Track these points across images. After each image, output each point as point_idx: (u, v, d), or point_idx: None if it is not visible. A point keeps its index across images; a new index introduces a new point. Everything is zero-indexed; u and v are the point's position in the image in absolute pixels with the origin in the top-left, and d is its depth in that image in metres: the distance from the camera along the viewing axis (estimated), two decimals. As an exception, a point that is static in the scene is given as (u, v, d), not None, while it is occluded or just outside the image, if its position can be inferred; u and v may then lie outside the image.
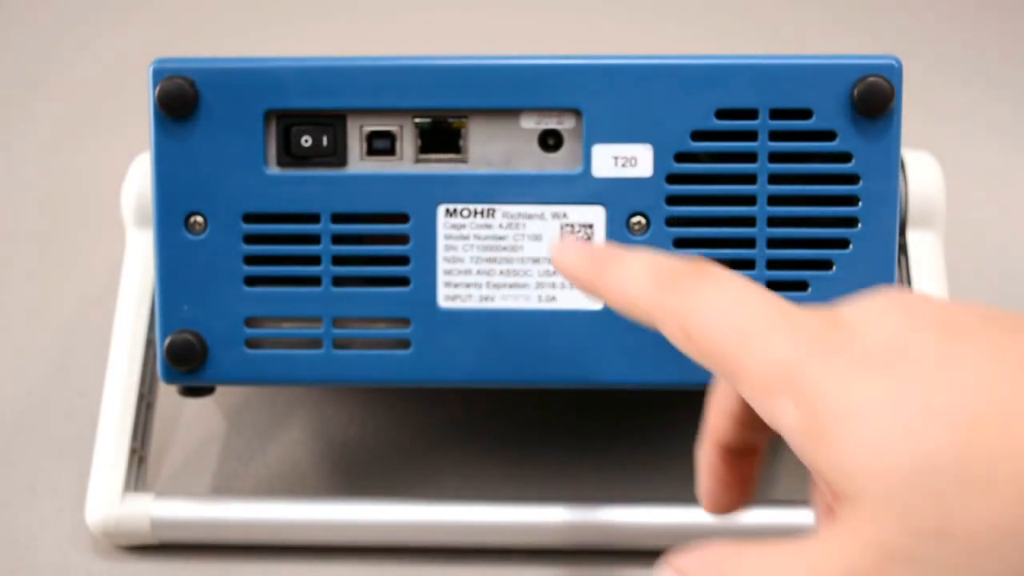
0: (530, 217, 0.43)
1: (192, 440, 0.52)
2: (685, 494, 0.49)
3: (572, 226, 0.43)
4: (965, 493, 0.28)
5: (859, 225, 0.43)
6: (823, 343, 0.31)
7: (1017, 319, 0.31)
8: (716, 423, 0.38)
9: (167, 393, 0.51)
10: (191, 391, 0.46)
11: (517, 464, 0.51)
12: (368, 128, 0.43)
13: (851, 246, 0.43)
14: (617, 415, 0.52)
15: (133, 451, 0.48)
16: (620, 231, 0.43)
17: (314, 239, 0.43)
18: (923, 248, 0.49)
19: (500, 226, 0.43)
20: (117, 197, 0.51)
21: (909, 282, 0.49)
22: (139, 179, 0.50)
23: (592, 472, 0.50)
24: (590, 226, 0.43)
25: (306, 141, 0.43)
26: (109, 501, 0.47)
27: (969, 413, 0.29)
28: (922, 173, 0.49)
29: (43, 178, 0.65)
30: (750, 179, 0.43)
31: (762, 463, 0.38)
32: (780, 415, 0.31)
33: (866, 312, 0.32)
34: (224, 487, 0.50)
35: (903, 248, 0.49)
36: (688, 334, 0.33)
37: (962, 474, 0.28)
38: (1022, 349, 0.29)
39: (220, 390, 0.53)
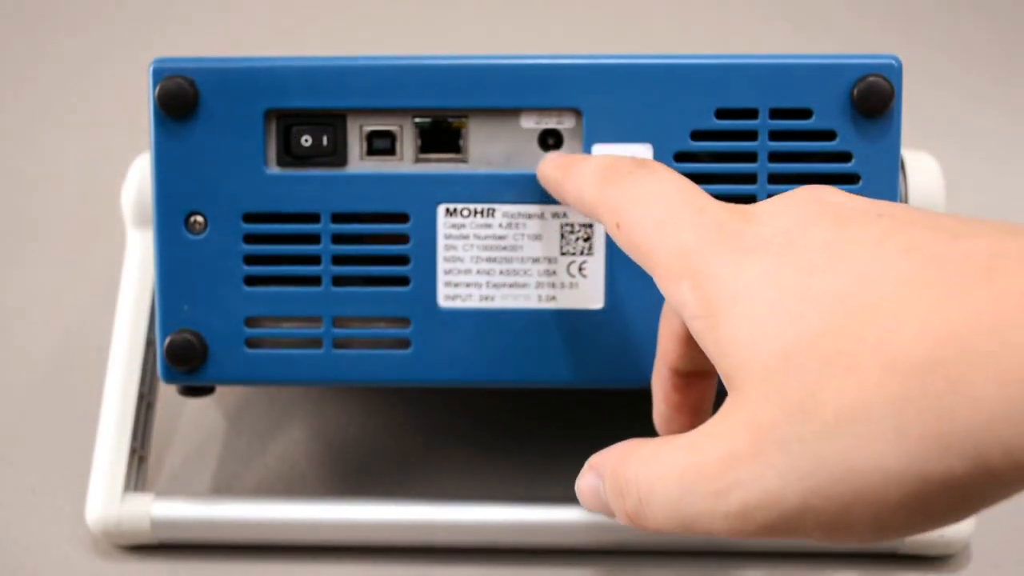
0: (530, 217, 0.43)
1: (192, 440, 0.52)
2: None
3: (572, 226, 0.43)
4: (831, 373, 0.28)
5: (859, 225, 0.43)
6: (723, 231, 0.32)
7: (914, 213, 0.31)
8: (665, 346, 0.39)
9: (167, 393, 0.51)
10: (191, 391, 0.46)
11: (516, 464, 0.51)
12: (368, 128, 0.43)
13: (851, 246, 0.43)
14: (617, 415, 0.52)
15: (133, 451, 0.48)
16: (620, 231, 0.43)
17: (314, 239, 0.43)
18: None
19: (500, 226, 0.43)
20: (117, 197, 0.51)
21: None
22: (139, 179, 0.50)
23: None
24: (590, 226, 0.43)
25: (306, 141, 0.43)
26: (109, 501, 0.47)
27: (841, 297, 0.29)
28: (922, 173, 0.49)
29: (43, 178, 0.65)
30: (750, 179, 0.43)
31: (713, 387, 0.39)
32: (680, 299, 0.33)
33: (773, 204, 0.33)
34: (224, 487, 0.50)
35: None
36: (618, 225, 0.35)
37: (830, 355, 0.29)
38: (906, 238, 0.30)
39: (220, 390, 0.53)
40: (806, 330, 0.29)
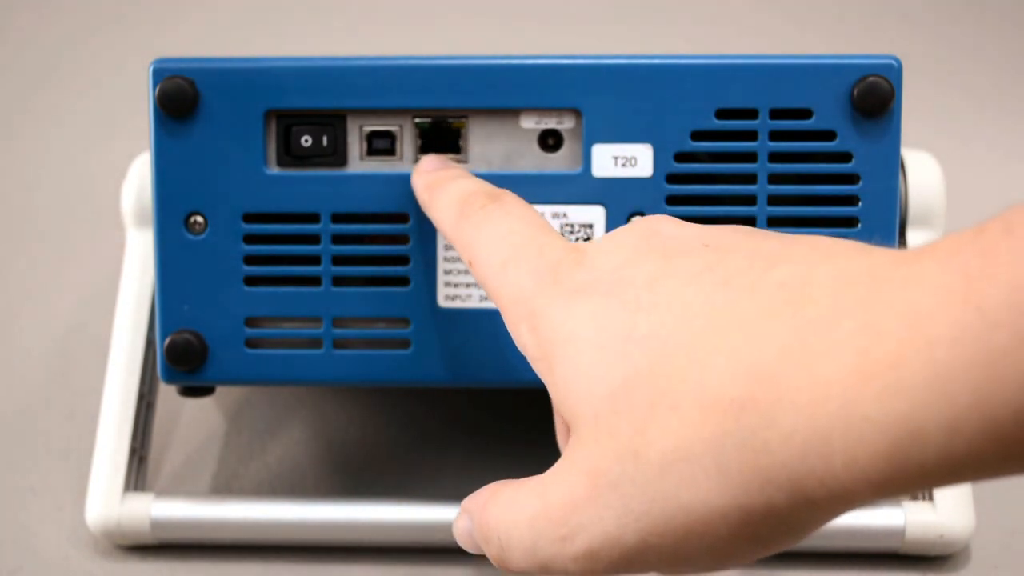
0: (530, 217, 0.43)
1: (192, 440, 0.52)
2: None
3: (572, 226, 0.43)
4: (655, 414, 0.29)
5: (859, 225, 0.43)
6: (558, 273, 0.33)
7: (740, 239, 0.31)
8: None
9: (167, 393, 0.51)
10: (191, 391, 0.46)
11: (516, 464, 0.51)
12: (368, 128, 0.43)
13: (851, 246, 0.43)
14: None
15: (133, 451, 0.48)
16: (620, 231, 0.43)
17: (314, 239, 0.43)
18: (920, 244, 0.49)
19: (500, 226, 0.43)
20: (117, 197, 0.51)
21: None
22: (139, 179, 0.50)
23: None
24: (590, 226, 0.43)
25: (306, 141, 0.43)
26: (109, 501, 0.47)
27: (663, 336, 0.29)
28: (922, 173, 0.49)
29: (43, 178, 0.65)
30: (750, 179, 0.43)
31: None
32: (521, 342, 0.33)
33: (609, 240, 0.33)
34: (224, 487, 0.50)
35: (903, 248, 0.49)
36: (471, 262, 0.36)
37: (653, 396, 0.29)
38: (723, 270, 0.30)
39: (220, 390, 0.53)
40: (631, 371, 0.29)
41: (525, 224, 0.35)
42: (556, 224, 0.43)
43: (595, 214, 0.43)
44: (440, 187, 0.40)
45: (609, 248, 0.33)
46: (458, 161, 0.43)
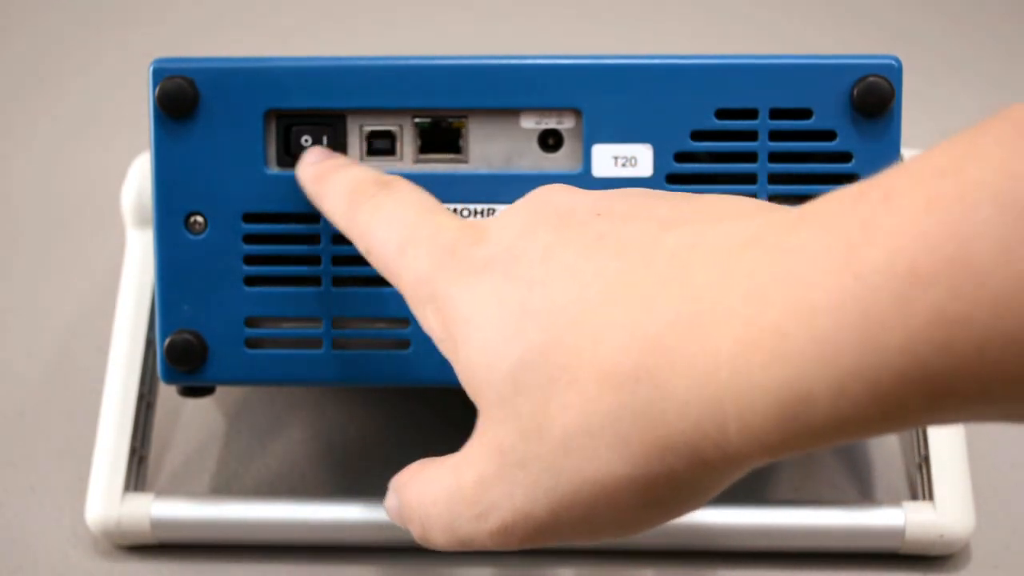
0: (530, 217, 0.43)
1: (192, 440, 0.52)
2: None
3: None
4: (555, 390, 0.29)
5: (859, 225, 0.43)
6: (456, 254, 0.33)
7: (634, 203, 0.31)
8: None
9: (167, 393, 0.51)
10: (191, 391, 0.46)
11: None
12: (368, 128, 0.43)
13: (851, 246, 0.43)
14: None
15: (133, 451, 0.48)
16: (620, 231, 0.43)
17: (314, 239, 0.43)
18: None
19: (500, 226, 0.43)
20: (116, 197, 0.51)
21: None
22: (139, 179, 0.50)
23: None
24: (590, 226, 0.43)
25: (306, 141, 0.43)
26: (109, 501, 0.47)
27: (558, 310, 0.30)
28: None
29: (43, 178, 0.65)
30: (750, 179, 0.43)
31: None
32: (427, 325, 0.34)
33: (504, 216, 0.33)
34: (224, 487, 0.50)
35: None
36: (367, 251, 0.36)
37: (552, 372, 0.29)
38: (616, 239, 0.30)
39: (220, 390, 0.53)
40: (528, 348, 0.30)
41: (418, 207, 0.35)
42: (556, 224, 0.43)
43: (595, 214, 0.43)
44: (328, 178, 0.39)
45: (504, 223, 0.33)
46: (458, 161, 0.43)
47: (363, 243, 0.36)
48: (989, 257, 0.22)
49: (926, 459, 0.47)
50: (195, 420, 0.53)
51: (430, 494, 0.33)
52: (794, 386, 0.25)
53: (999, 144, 0.24)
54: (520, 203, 0.34)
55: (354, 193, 0.37)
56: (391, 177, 0.38)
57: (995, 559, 0.47)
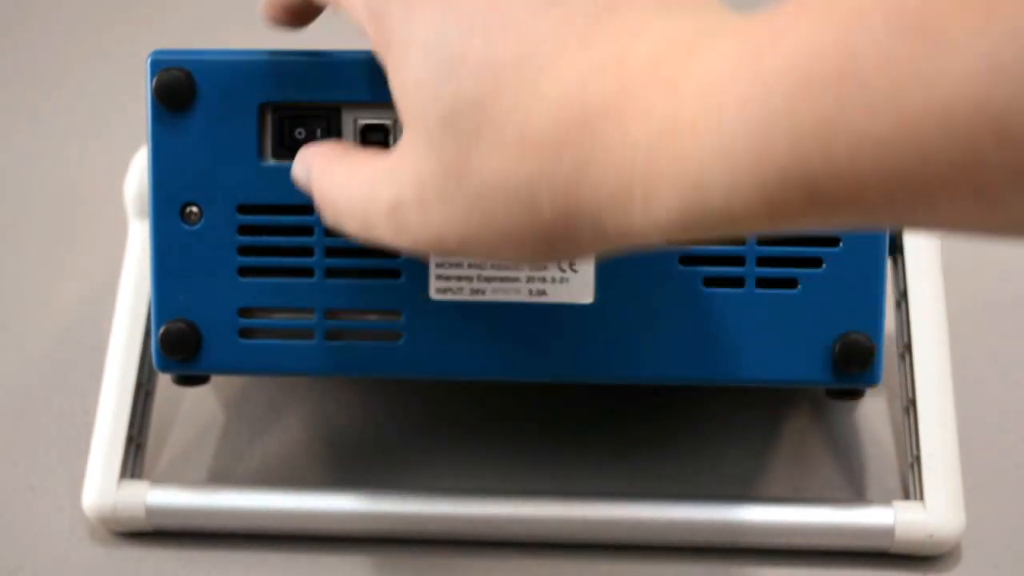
0: (521, 211, 0.43)
1: (190, 429, 0.53)
2: (675, 489, 0.49)
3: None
4: (480, 142, 0.31)
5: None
6: None
7: None
8: None
9: (166, 382, 0.51)
10: (185, 380, 0.46)
11: (511, 457, 0.51)
12: (362, 121, 0.43)
13: (841, 244, 0.43)
14: (608, 408, 0.53)
15: (130, 439, 0.48)
16: (611, 226, 0.43)
17: (307, 231, 0.44)
18: (920, 248, 0.49)
19: (492, 220, 0.43)
20: (118, 189, 0.52)
21: (905, 281, 0.49)
22: (141, 171, 0.50)
23: (586, 465, 0.51)
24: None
25: (300, 134, 0.43)
26: (105, 488, 0.47)
27: (495, 64, 0.31)
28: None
29: (45, 170, 0.66)
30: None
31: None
32: (354, 14, 0.35)
33: None
34: (222, 476, 0.51)
35: (899, 247, 0.49)
36: None
37: (480, 124, 0.31)
38: (573, 4, 0.31)
39: (219, 380, 0.53)
40: (462, 97, 0.31)
41: None
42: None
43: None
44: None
45: None
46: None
47: None
48: (873, 69, 0.24)
49: (918, 459, 0.47)
50: (194, 409, 0.53)
51: (346, 198, 0.36)
52: (696, 179, 0.27)
53: None
54: None
55: None
56: None
57: (986, 559, 0.47)
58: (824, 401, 0.53)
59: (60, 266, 0.60)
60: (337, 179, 0.37)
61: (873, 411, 0.52)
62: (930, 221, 0.25)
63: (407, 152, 0.33)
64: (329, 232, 0.44)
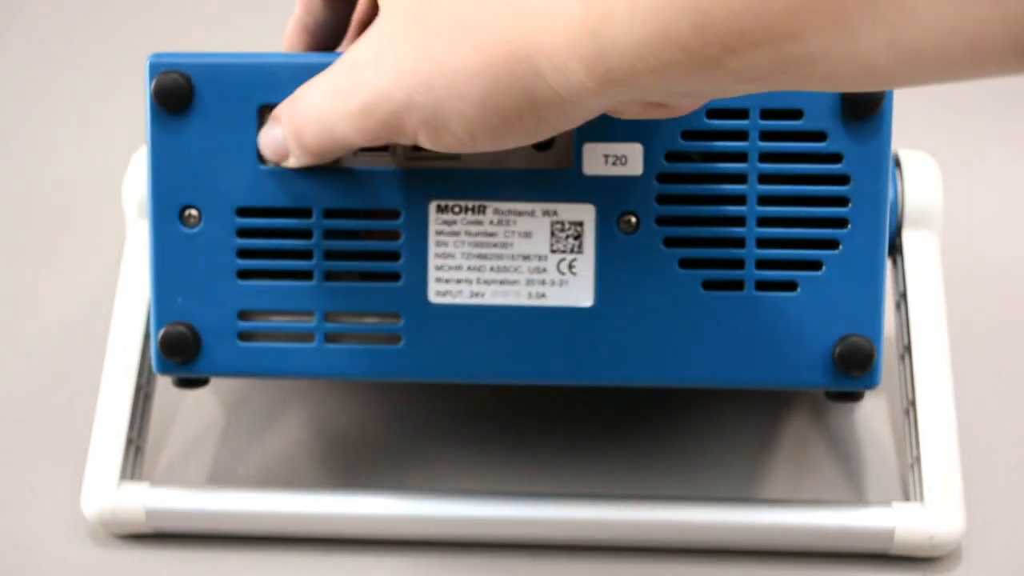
0: (520, 214, 0.43)
1: (190, 431, 0.53)
2: (673, 491, 0.49)
3: (563, 223, 0.43)
4: None
5: (849, 226, 0.43)
6: None
7: None
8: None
9: (165, 384, 0.51)
10: (185, 382, 0.46)
11: (511, 458, 0.51)
12: (361, 124, 0.43)
13: (841, 247, 0.43)
14: (607, 411, 0.53)
15: (130, 441, 0.48)
16: (610, 229, 0.43)
17: (306, 234, 0.44)
18: (919, 249, 0.49)
19: (491, 223, 0.43)
20: (117, 190, 0.51)
21: (904, 283, 0.49)
22: (140, 171, 0.50)
23: (586, 466, 0.51)
24: (580, 223, 0.43)
25: None
26: (105, 490, 0.47)
27: None
28: (919, 173, 0.49)
29: (43, 171, 0.66)
30: (740, 179, 0.43)
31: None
32: None
33: None
34: (222, 477, 0.51)
35: (899, 248, 0.49)
36: None
37: None
38: None
39: (218, 381, 0.53)
40: None
41: None
42: (546, 222, 0.43)
43: (586, 212, 0.43)
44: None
45: None
46: (450, 158, 0.43)
47: None
48: None
49: (918, 460, 0.47)
50: (192, 411, 0.53)
51: (313, 89, 0.39)
52: (603, 11, 0.31)
53: None
54: None
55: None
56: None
57: (986, 560, 0.47)
58: (823, 402, 0.53)
59: (59, 267, 0.60)
60: (304, 93, 0.40)
61: (872, 412, 0.52)
62: (802, 57, 0.28)
63: (373, 27, 0.37)
64: (328, 235, 0.44)
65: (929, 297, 0.48)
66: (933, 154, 0.49)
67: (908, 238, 0.49)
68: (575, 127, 0.36)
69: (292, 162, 0.42)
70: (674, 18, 0.29)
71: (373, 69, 0.36)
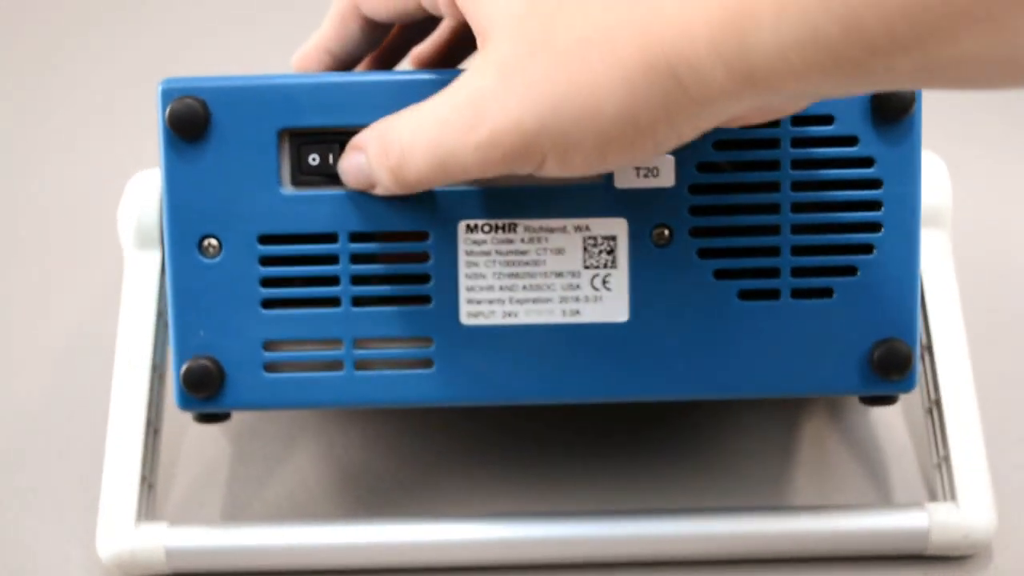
0: (552, 231, 0.42)
1: (195, 465, 0.51)
2: (700, 501, 0.49)
3: (595, 239, 0.42)
4: (563, 11, 0.35)
5: (882, 230, 0.43)
6: None
7: None
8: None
9: (169, 418, 0.49)
10: (207, 417, 0.45)
11: (529, 484, 0.50)
12: (384, 144, 0.42)
13: (875, 251, 0.43)
14: (642, 427, 0.52)
15: (143, 479, 0.46)
16: (643, 243, 0.42)
17: (332, 259, 0.43)
18: (932, 247, 0.49)
19: (522, 241, 0.42)
20: (112, 216, 0.50)
21: (920, 283, 0.49)
22: (138, 198, 0.48)
23: (603, 482, 0.50)
24: (613, 238, 0.42)
25: (314, 160, 0.42)
26: (121, 532, 0.45)
27: None
28: (929, 173, 0.49)
29: (45, 194, 0.64)
30: (773, 187, 0.42)
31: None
32: None
33: None
34: (235, 512, 0.49)
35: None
36: None
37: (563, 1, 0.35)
38: None
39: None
40: None
41: None
42: (579, 237, 0.42)
43: (618, 226, 0.42)
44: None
45: None
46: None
47: None
48: None
49: (946, 459, 0.47)
50: (197, 443, 0.52)
51: (417, 120, 0.38)
52: (748, 8, 0.31)
53: None
54: None
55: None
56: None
57: (1017, 556, 0.47)
58: (837, 404, 0.53)
59: (60, 288, 0.58)
60: (403, 121, 0.38)
61: (887, 411, 0.52)
62: (950, 60, 0.28)
63: (486, 53, 0.36)
64: (355, 259, 0.42)
65: (945, 296, 0.49)
66: (940, 153, 0.49)
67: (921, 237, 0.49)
68: (695, 139, 0.36)
69: (379, 191, 0.41)
70: (823, 21, 0.29)
71: (498, 98, 0.35)
